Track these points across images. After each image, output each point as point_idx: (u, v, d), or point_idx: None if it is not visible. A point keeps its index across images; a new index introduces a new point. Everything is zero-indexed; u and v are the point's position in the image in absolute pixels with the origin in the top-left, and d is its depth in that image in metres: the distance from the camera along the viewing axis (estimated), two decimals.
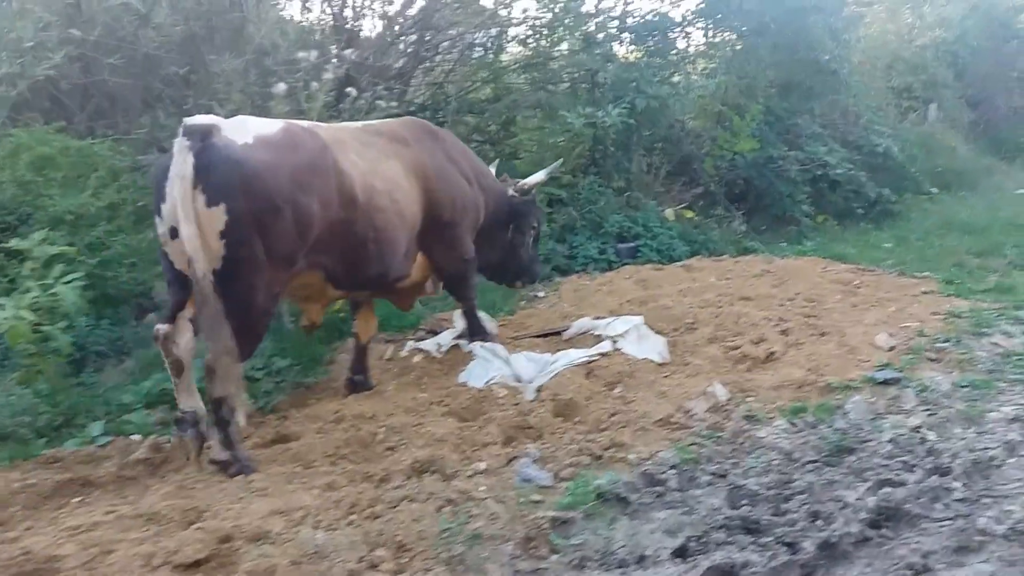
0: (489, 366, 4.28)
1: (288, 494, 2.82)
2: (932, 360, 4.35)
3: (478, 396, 3.99)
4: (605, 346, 4.47)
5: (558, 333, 4.86)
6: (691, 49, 8.48)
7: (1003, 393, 3.94)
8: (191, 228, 2.91)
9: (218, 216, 2.96)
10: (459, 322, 4.84)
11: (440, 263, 4.29)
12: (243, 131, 3.13)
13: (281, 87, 4.42)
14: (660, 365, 4.39)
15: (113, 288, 4.18)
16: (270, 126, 3.28)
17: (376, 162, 3.72)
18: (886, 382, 4.06)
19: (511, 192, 4.67)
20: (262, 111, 4.59)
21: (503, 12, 7.61)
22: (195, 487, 2.93)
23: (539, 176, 4.82)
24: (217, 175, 2.95)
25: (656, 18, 7.60)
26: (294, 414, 3.86)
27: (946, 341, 4.55)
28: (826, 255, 6.79)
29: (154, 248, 4.40)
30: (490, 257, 4.71)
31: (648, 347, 4.49)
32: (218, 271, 3.02)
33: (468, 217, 4.31)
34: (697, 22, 8.12)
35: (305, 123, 3.66)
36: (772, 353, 4.42)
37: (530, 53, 8.00)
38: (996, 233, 7.33)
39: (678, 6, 8.07)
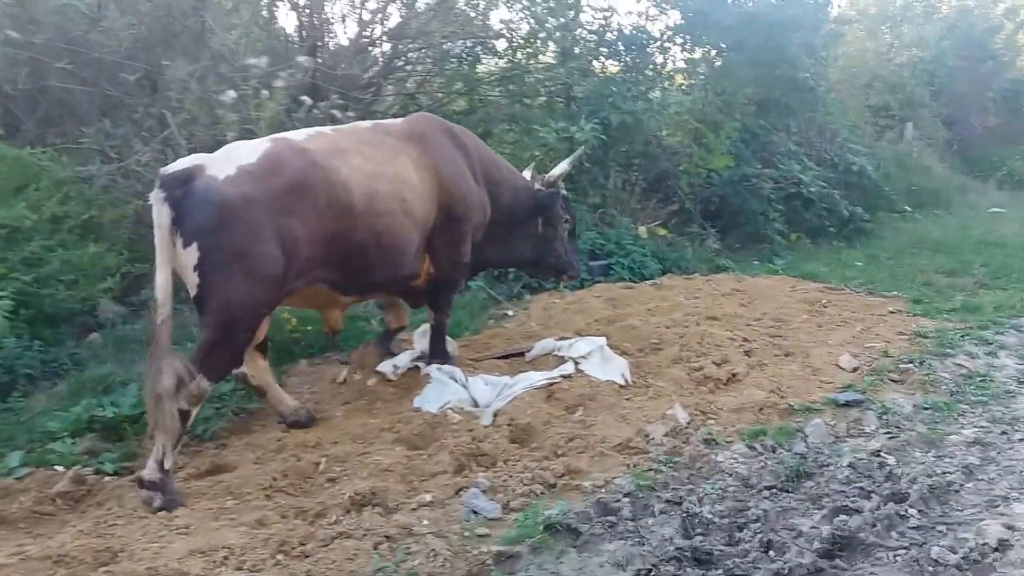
0: (445, 390, 4.14)
1: (213, 532, 2.66)
2: (895, 381, 4.29)
3: (431, 422, 3.85)
4: (567, 368, 4.36)
5: (521, 354, 4.73)
6: (669, 65, 8.43)
7: (964, 415, 3.88)
8: (163, 276, 3.08)
9: (192, 253, 3.12)
10: (419, 343, 4.70)
11: (440, 262, 4.17)
12: (228, 163, 3.24)
13: (231, 95, 4.29)
14: (622, 387, 4.28)
15: (50, 306, 3.99)
16: (254, 153, 3.33)
17: (384, 164, 3.72)
18: (848, 404, 4.00)
19: (537, 186, 4.60)
20: (217, 120, 4.47)
21: (480, 21, 7.52)
22: (115, 524, 2.76)
23: (563, 166, 4.74)
24: (192, 220, 3.10)
25: (634, 32, 7.54)
26: (234, 442, 3.69)
27: (910, 362, 4.49)
28: (797, 273, 6.74)
29: (97, 262, 4.27)
30: (523, 253, 4.67)
31: (611, 369, 4.38)
32: (195, 297, 3.21)
33: (475, 215, 4.22)
34: (676, 38, 8.08)
35: (305, 133, 3.69)
36: (735, 374, 4.34)
37: (507, 65, 7.91)
38: (966, 252, 7.32)
39: (655, 21, 7.97)
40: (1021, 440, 3.59)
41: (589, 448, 3.62)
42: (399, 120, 4.25)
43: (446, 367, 4.35)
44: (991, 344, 4.81)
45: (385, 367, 4.58)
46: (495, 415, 3.93)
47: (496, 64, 8.01)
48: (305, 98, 4.53)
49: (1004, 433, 3.65)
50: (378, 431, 3.84)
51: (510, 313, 6.08)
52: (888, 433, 3.73)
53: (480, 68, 8.05)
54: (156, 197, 3.12)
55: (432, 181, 3.94)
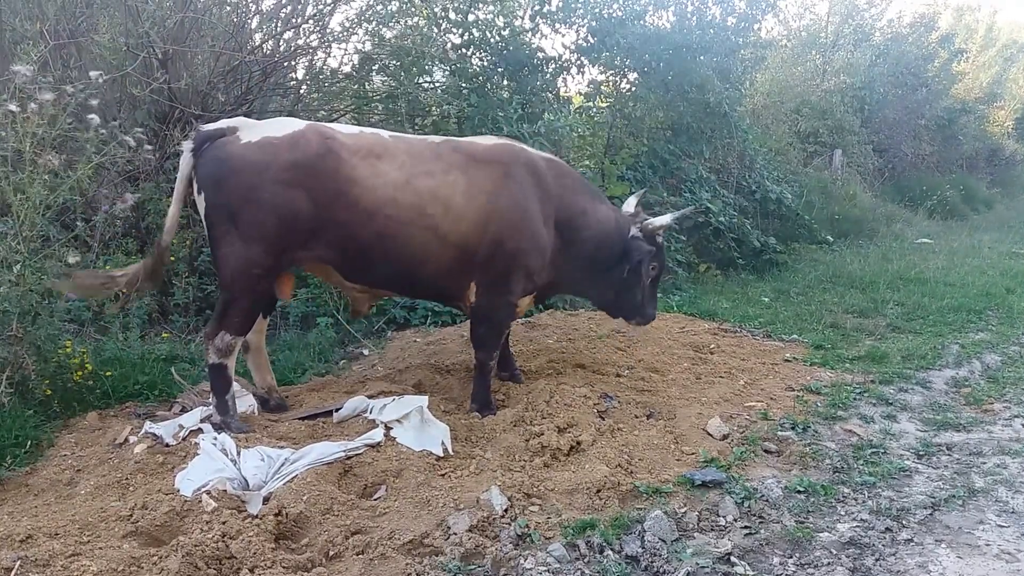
0: (211, 466, 3.27)
1: None
2: (770, 453, 3.56)
3: (182, 509, 2.99)
4: (376, 435, 3.54)
5: (329, 414, 3.89)
6: (572, 86, 7.71)
7: (844, 502, 3.16)
8: (174, 208, 3.62)
9: (201, 201, 3.54)
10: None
11: (479, 291, 3.90)
12: (257, 131, 3.55)
13: None
14: (440, 459, 3.47)
15: None
16: (288, 128, 3.57)
17: (421, 176, 3.65)
18: (705, 485, 3.25)
19: (634, 231, 4.21)
20: None
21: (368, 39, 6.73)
22: None
23: (666, 219, 4.34)
24: (202, 171, 3.51)
25: (524, 51, 6.77)
26: None
27: (792, 428, 3.78)
28: (695, 310, 6.04)
29: None
30: (597, 291, 4.38)
31: (429, 436, 3.56)
32: (208, 240, 3.63)
33: (527, 257, 3.88)
34: (573, 58, 7.33)
35: (357, 130, 3.75)
36: (579, 443, 3.56)
37: (394, 84, 7.12)
38: (882, 288, 6.74)
39: (547, 39, 7.22)
40: (907, 541, 2.87)
41: (371, 547, 2.83)
42: (482, 141, 4.03)
43: (223, 435, 3.48)
44: (891, 404, 4.15)
45: (166, 429, 3.69)
46: (266, 500, 3.09)
47: (385, 82, 7.21)
48: (92, 116, 3.70)
49: (888, 531, 2.93)
50: (115, 519, 2.98)
51: (366, 353, 5.28)
52: (747, 528, 2.98)
53: (367, 86, 7.27)
54: (185, 147, 3.56)
55: (484, 208, 3.74)
